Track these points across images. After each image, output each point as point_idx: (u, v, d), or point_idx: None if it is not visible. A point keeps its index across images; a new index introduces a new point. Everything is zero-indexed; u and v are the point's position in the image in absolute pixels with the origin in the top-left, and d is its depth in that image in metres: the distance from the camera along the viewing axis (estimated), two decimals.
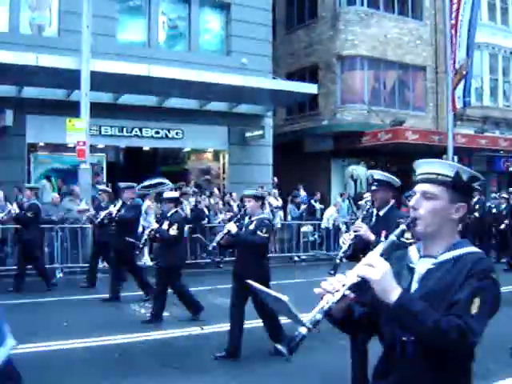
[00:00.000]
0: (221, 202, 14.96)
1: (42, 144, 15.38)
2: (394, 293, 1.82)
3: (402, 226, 2.01)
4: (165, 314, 7.78)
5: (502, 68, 23.55)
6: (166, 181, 14.46)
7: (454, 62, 19.06)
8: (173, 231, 7.52)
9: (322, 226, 15.83)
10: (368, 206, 5.32)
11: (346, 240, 4.79)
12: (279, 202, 15.60)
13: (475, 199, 15.48)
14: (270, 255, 14.05)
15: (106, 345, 6.54)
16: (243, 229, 6.26)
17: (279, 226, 15.06)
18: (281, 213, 15.51)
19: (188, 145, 17.52)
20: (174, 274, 7.75)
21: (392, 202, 4.96)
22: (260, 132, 17.29)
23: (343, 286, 1.85)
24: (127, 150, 17.82)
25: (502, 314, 1.90)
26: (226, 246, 6.67)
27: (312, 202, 17.17)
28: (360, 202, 16.69)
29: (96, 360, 6.01)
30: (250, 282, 2.17)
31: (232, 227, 6.16)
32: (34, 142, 14.98)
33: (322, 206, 17.14)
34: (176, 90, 14.72)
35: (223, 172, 18.10)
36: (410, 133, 18.89)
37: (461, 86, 19.32)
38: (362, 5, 20.47)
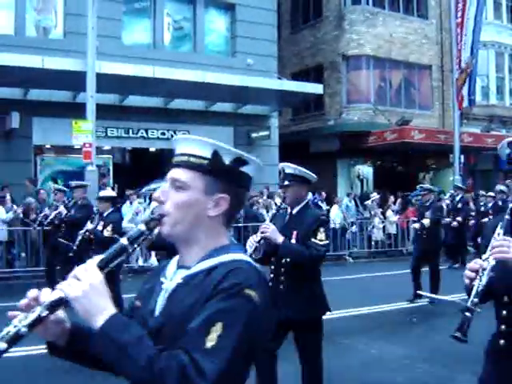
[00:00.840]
0: None
1: (48, 146, 15.42)
2: (100, 316, 1.34)
3: (141, 226, 1.49)
4: None
5: (508, 66, 23.47)
6: None
7: (460, 61, 18.99)
8: (107, 232, 7.04)
9: None
10: (280, 204, 4.59)
11: (252, 242, 4.04)
12: None
13: (458, 197, 13.14)
14: None
15: None
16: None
17: None
18: None
19: None
20: (110, 277, 7.40)
21: (307, 199, 4.44)
22: (266, 132, 17.29)
23: (41, 304, 1.36)
24: (133, 152, 17.86)
25: None
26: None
27: (319, 202, 17.12)
28: (366, 202, 16.70)
29: None
30: None
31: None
32: (40, 144, 15.04)
33: (329, 207, 17.09)
34: (181, 91, 14.73)
35: None
36: (417, 132, 18.84)
37: (466, 84, 19.25)
38: (368, 4, 20.45)
